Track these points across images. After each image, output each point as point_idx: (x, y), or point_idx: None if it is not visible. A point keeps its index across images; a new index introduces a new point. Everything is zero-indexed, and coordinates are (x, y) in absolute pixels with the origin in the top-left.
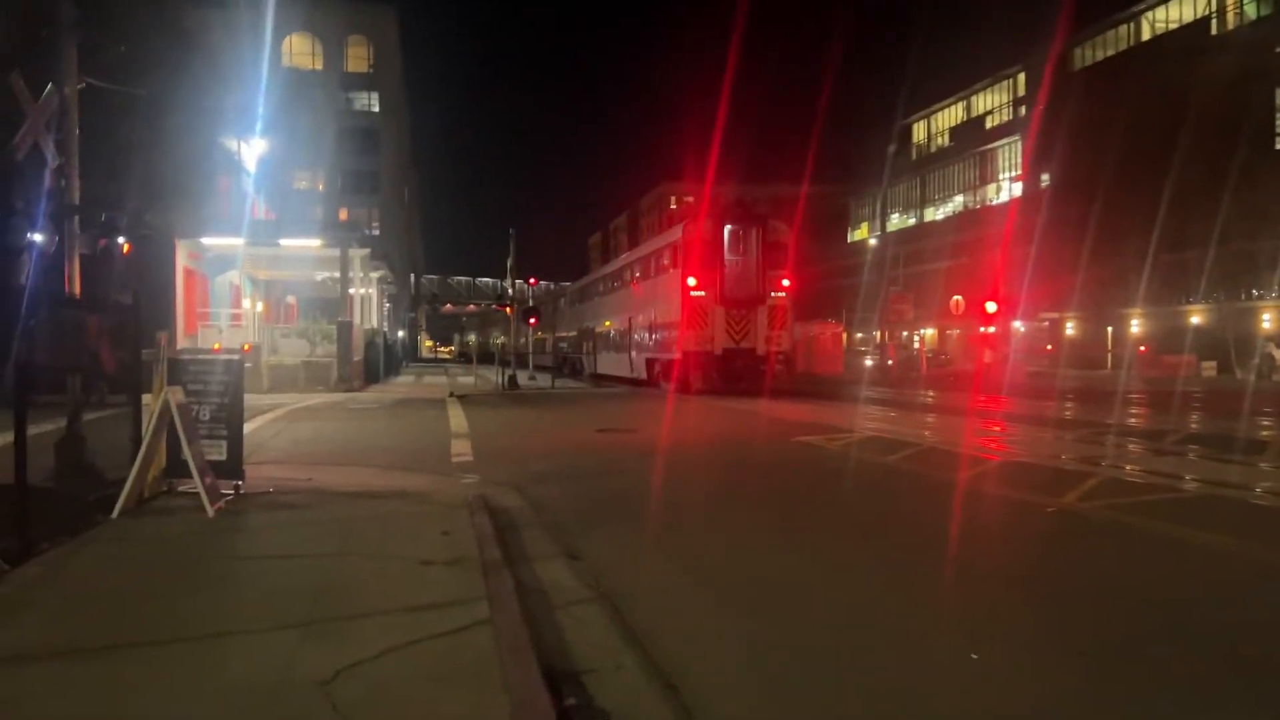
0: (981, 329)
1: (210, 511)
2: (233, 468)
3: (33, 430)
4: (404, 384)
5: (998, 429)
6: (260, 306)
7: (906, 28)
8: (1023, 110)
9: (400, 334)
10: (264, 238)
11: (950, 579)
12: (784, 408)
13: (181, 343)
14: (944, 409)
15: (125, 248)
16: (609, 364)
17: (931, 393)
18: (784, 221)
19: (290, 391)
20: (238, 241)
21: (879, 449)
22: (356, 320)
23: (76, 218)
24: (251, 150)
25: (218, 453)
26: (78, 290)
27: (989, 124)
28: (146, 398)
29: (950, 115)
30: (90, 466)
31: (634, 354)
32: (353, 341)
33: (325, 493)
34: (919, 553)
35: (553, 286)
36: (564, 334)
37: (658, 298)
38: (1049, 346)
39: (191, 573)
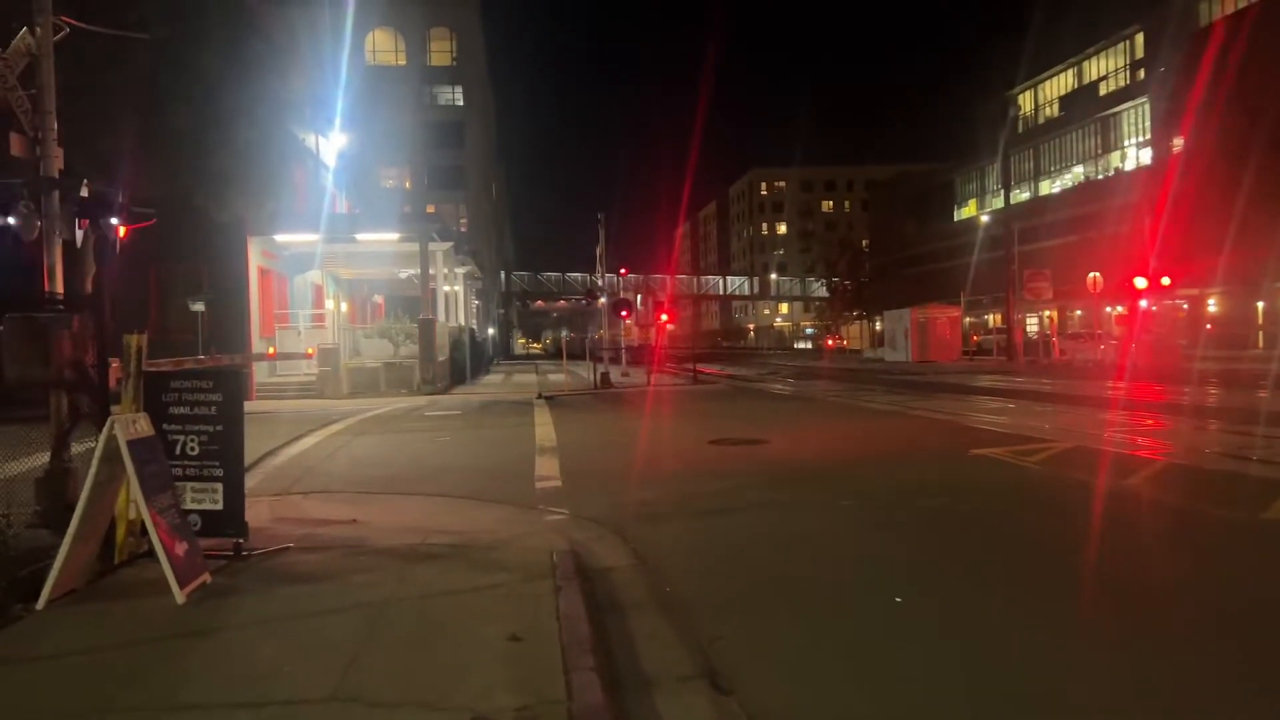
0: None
1: (180, 596)
2: (231, 520)
3: (25, 462)
4: (492, 384)
5: (1232, 429)
6: (345, 307)
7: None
8: (1141, 73)
9: (490, 331)
10: (340, 233)
11: None
12: (933, 404)
13: (255, 346)
14: (1118, 404)
15: (120, 231)
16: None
17: (1078, 382)
18: None
19: (371, 396)
20: (313, 238)
21: (1099, 468)
22: (441, 318)
23: (55, 193)
24: (331, 145)
25: (210, 500)
26: (59, 286)
27: (1103, 90)
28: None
29: (1059, 84)
30: None
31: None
32: (435, 341)
33: (363, 548)
34: None
35: (643, 279)
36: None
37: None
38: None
39: None
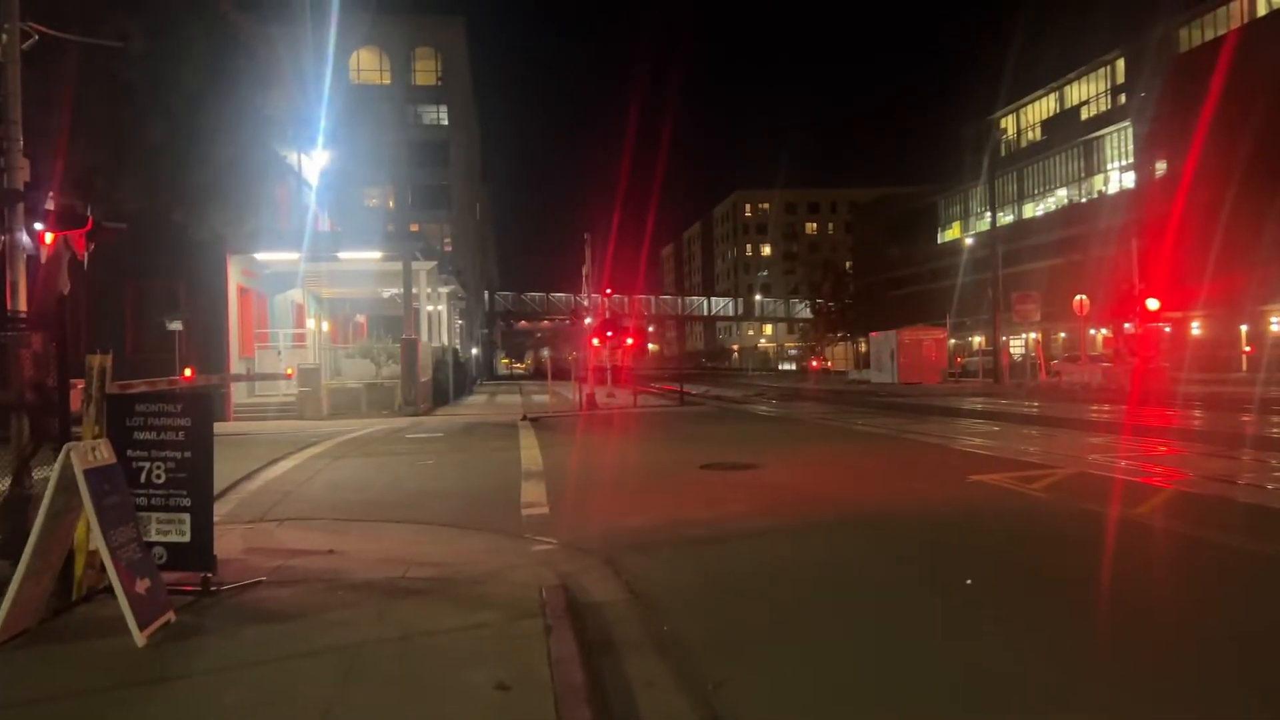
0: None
1: (140, 638)
2: (198, 553)
3: None
4: (475, 405)
5: (1233, 454)
6: (326, 326)
7: (988, 22)
8: (1122, 98)
9: (474, 351)
10: (322, 252)
11: None
12: (924, 427)
13: (235, 366)
14: (1111, 428)
15: (87, 247)
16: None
17: (1067, 405)
18: None
19: (352, 418)
20: (295, 256)
21: (1106, 496)
22: (424, 338)
23: (20, 206)
24: (314, 163)
25: (177, 532)
26: (22, 302)
27: (1084, 114)
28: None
29: (1041, 108)
30: None
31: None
32: (418, 361)
33: (340, 582)
34: None
35: (626, 300)
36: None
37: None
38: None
39: None
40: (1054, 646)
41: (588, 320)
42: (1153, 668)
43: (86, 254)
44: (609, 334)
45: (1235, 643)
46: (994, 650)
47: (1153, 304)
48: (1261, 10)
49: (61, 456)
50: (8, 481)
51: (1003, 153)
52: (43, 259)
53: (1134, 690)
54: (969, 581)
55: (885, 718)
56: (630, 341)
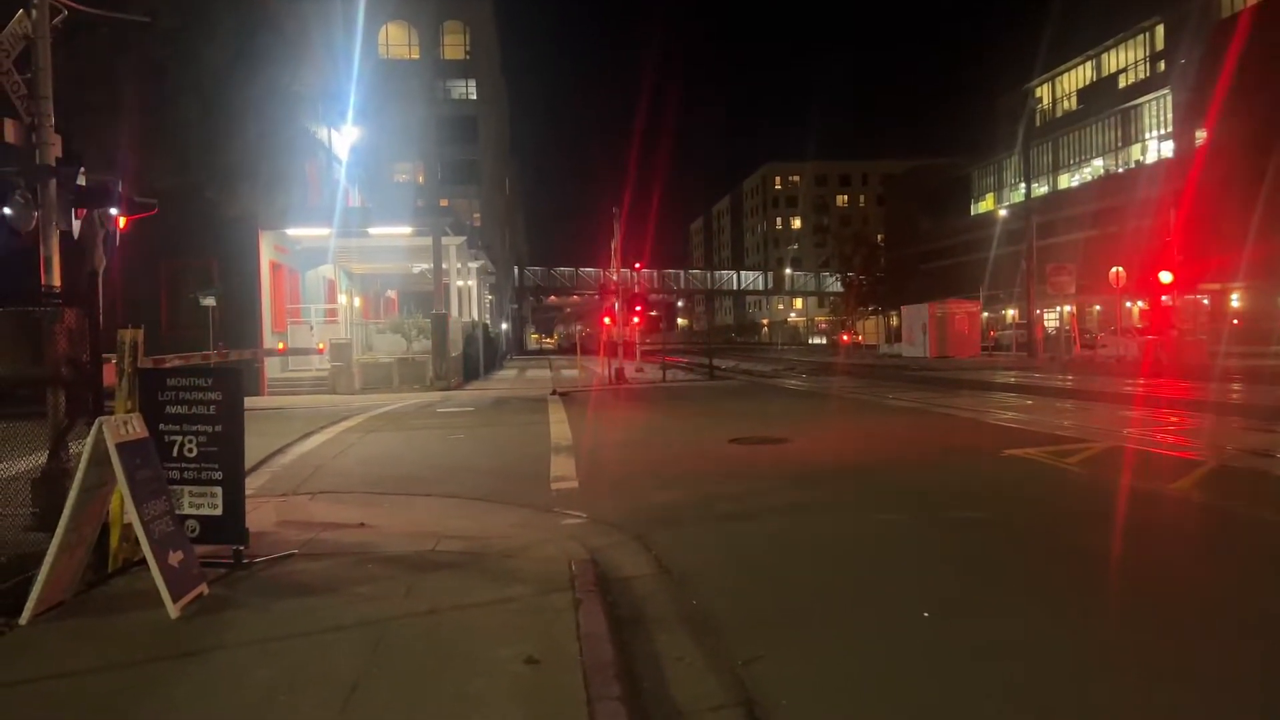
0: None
1: (174, 610)
2: (231, 525)
3: (28, 460)
4: (505, 380)
5: (1271, 427)
6: (358, 302)
7: None
8: (1161, 65)
9: (504, 326)
10: (353, 228)
11: None
12: (957, 401)
13: (268, 341)
14: (1148, 401)
15: (119, 222)
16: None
17: (1102, 378)
18: None
19: (384, 392)
20: (325, 232)
21: (1144, 470)
22: (454, 313)
23: (52, 182)
24: (343, 139)
25: (209, 505)
26: (56, 279)
27: (1123, 82)
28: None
29: (1078, 76)
30: None
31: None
32: (449, 336)
33: (370, 555)
34: None
35: (655, 275)
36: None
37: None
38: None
39: None
40: (1092, 626)
41: (614, 296)
42: (1187, 646)
43: (119, 230)
44: (637, 309)
45: (1268, 620)
46: (1029, 629)
47: (1165, 277)
48: None
49: (94, 431)
50: (45, 455)
51: (1037, 123)
52: (75, 235)
53: (1164, 665)
54: (1000, 560)
55: (917, 697)
56: (637, 320)
